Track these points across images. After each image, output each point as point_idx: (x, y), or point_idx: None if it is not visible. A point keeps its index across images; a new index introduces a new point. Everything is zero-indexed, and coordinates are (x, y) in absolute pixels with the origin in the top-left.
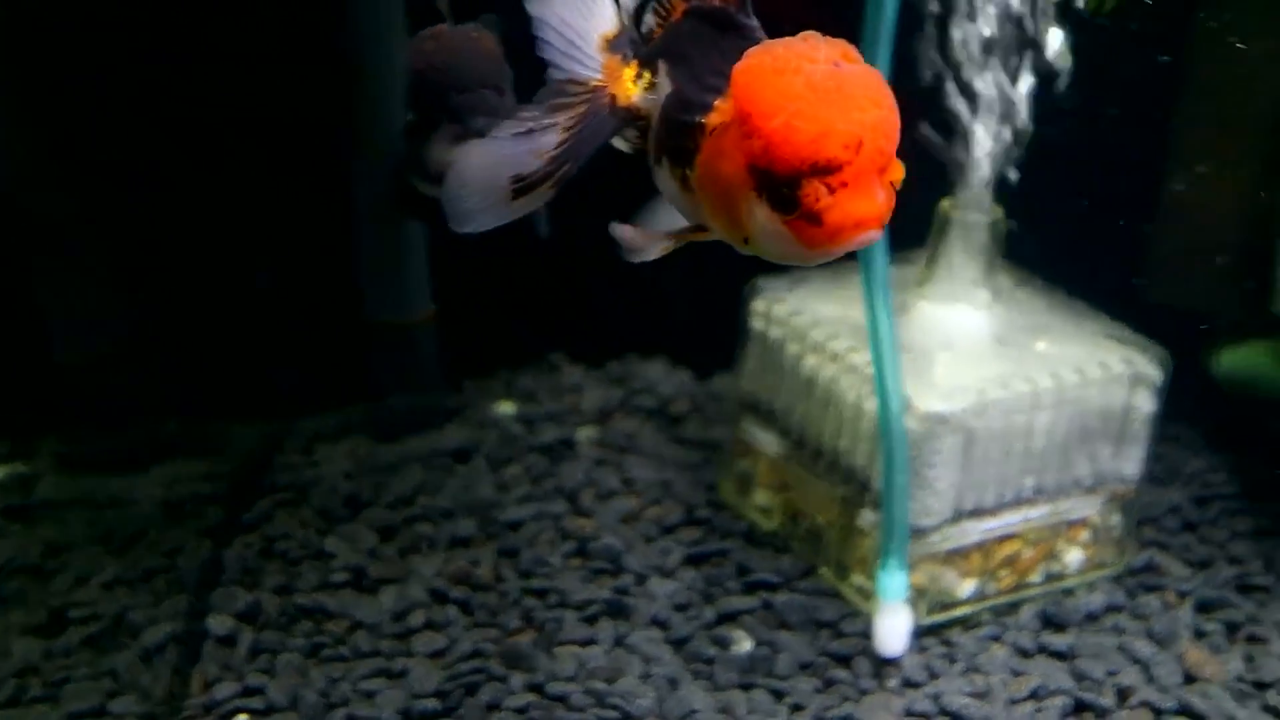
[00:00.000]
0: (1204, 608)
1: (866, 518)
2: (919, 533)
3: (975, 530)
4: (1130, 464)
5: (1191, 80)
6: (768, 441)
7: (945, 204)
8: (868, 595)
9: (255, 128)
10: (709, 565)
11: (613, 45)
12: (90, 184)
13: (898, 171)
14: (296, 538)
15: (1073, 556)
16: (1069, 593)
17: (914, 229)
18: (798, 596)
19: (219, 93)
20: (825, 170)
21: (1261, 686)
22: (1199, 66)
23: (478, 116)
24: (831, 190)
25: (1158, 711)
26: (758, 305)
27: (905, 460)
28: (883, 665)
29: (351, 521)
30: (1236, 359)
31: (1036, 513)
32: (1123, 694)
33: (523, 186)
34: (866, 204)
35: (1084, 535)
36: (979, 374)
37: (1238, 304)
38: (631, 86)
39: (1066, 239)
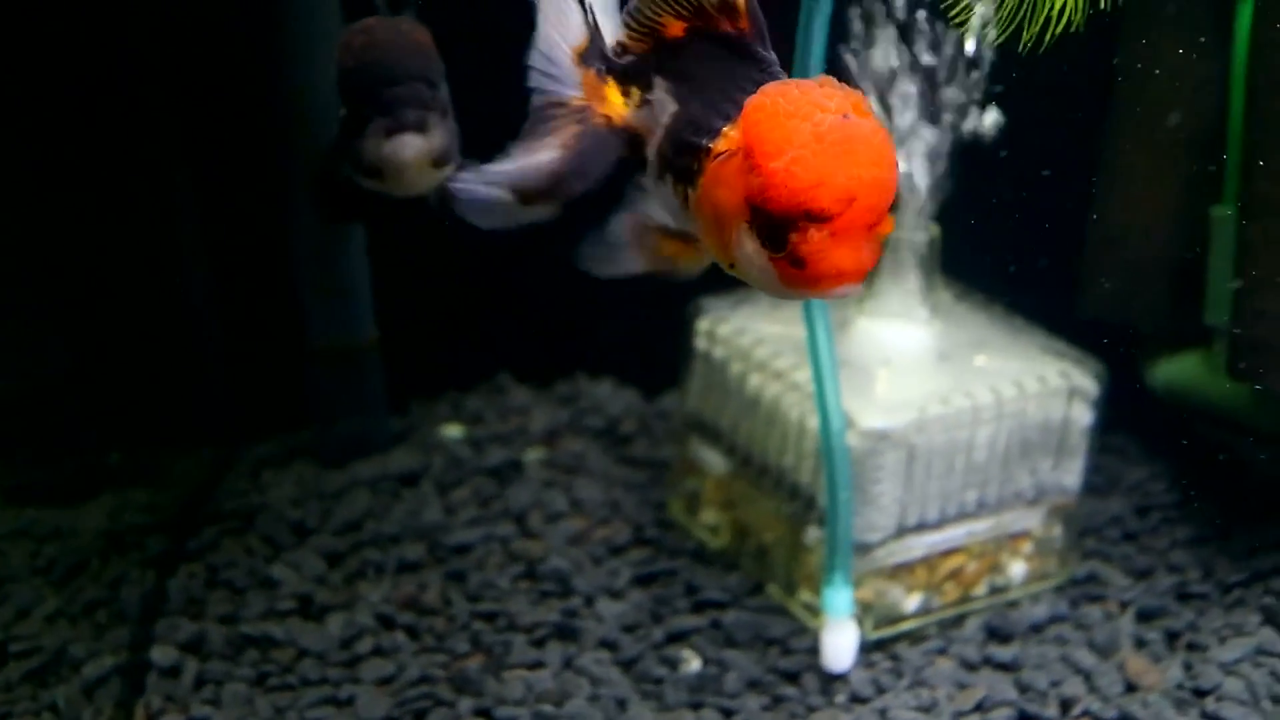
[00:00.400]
0: (1145, 617)
1: (812, 534)
2: (864, 548)
3: (919, 545)
4: (1070, 476)
5: (1120, 97)
6: (714, 460)
7: None
8: (815, 612)
9: (193, 152)
10: (657, 585)
11: (585, 58)
12: (21, 211)
13: (887, 226)
14: (242, 565)
15: (1016, 569)
16: (1013, 605)
17: None
18: (746, 614)
19: (155, 119)
20: (816, 219)
21: (1200, 694)
22: (1127, 84)
23: (408, 110)
24: (819, 239)
25: None
26: (701, 325)
27: (848, 477)
28: (830, 681)
29: (298, 548)
30: (1172, 370)
31: (979, 526)
32: (1066, 704)
33: (525, 199)
34: (851, 257)
35: (1027, 547)
36: (920, 390)
37: (1171, 316)
38: (621, 105)
39: (1002, 254)
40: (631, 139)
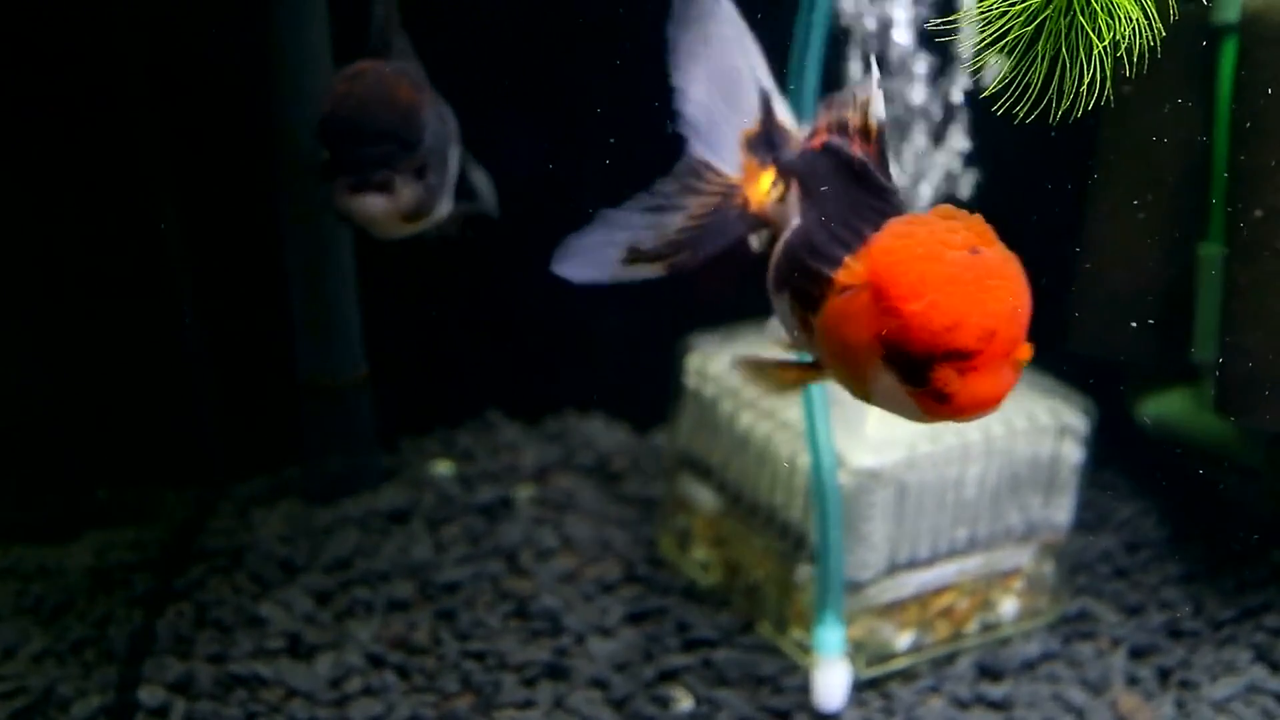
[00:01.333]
0: (1136, 654)
1: (803, 572)
2: (855, 586)
3: (911, 582)
4: (1060, 512)
5: (1106, 134)
6: (705, 497)
7: None
8: (806, 650)
9: (183, 182)
10: (649, 623)
11: (752, 144)
12: (8, 242)
13: (1026, 352)
14: (230, 604)
15: (1007, 606)
16: (1005, 642)
17: None
18: (737, 652)
19: (141, 154)
20: (958, 357)
21: None
22: (1112, 121)
23: (373, 171)
24: (962, 374)
25: None
26: (691, 362)
27: (839, 515)
28: None
29: (287, 586)
30: (1160, 406)
31: (970, 563)
32: None
33: (634, 257)
34: (993, 387)
35: (1018, 584)
36: (909, 428)
37: (1158, 352)
38: (764, 194)
39: None
40: (763, 227)
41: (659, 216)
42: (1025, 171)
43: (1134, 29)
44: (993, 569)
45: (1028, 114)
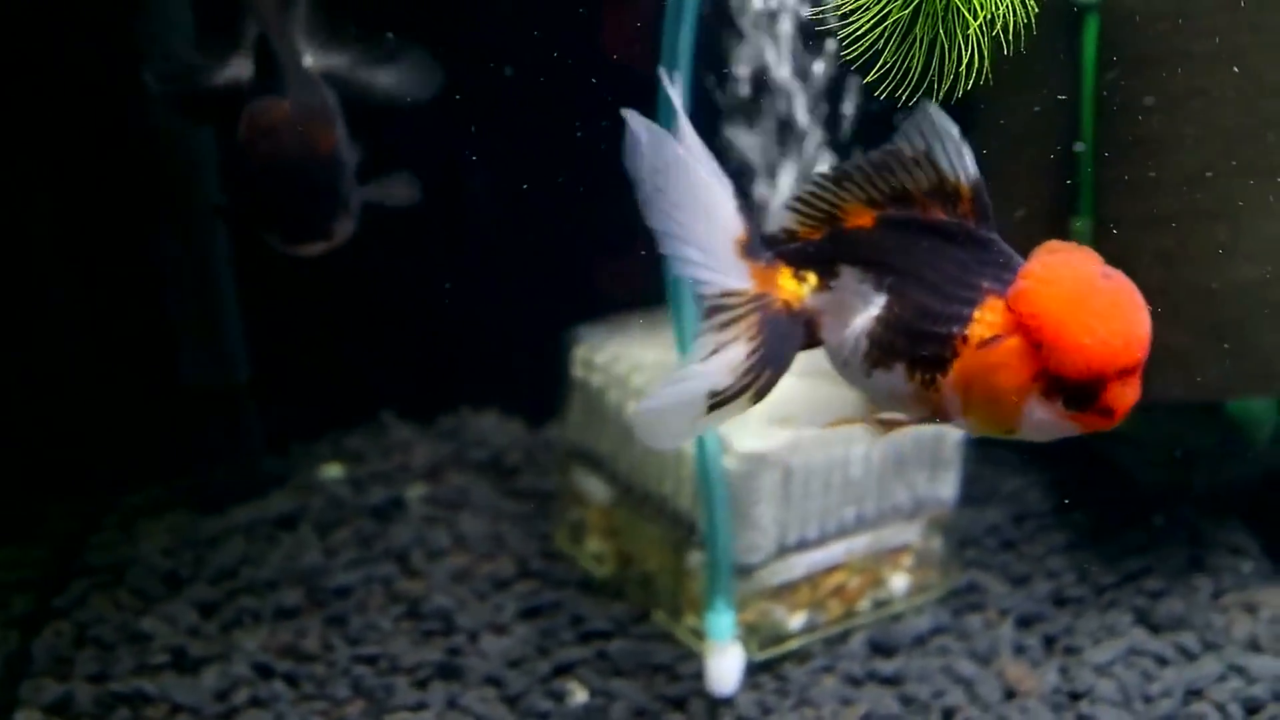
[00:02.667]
0: (1023, 623)
1: (694, 559)
2: (746, 570)
3: (801, 564)
4: (946, 488)
5: (984, 115)
6: (596, 489)
7: None
8: (700, 636)
9: (57, 185)
10: (543, 618)
11: (748, 250)
12: None
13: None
14: (112, 621)
15: (898, 582)
16: (896, 618)
17: None
18: (632, 643)
19: (12, 155)
20: (1124, 373)
21: (1076, 697)
22: (990, 101)
23: (315, 227)
24: (1126, 388)
25: None
26: (578, 353)
27: (725, 500)
28: (717, 706)
29: (171, 600)
30: None
31: (859, 542)
32: (947, 714)
33: (719, 400)
34: (1137, 391)
35: (907, 561)
36: (793, 411)
37: None
38: (798, 289)
39: None
40: (809, 322)
41: (720, 359)
42: None
43: (1009, 8)
44: (882, 546)
45: (909, 98)
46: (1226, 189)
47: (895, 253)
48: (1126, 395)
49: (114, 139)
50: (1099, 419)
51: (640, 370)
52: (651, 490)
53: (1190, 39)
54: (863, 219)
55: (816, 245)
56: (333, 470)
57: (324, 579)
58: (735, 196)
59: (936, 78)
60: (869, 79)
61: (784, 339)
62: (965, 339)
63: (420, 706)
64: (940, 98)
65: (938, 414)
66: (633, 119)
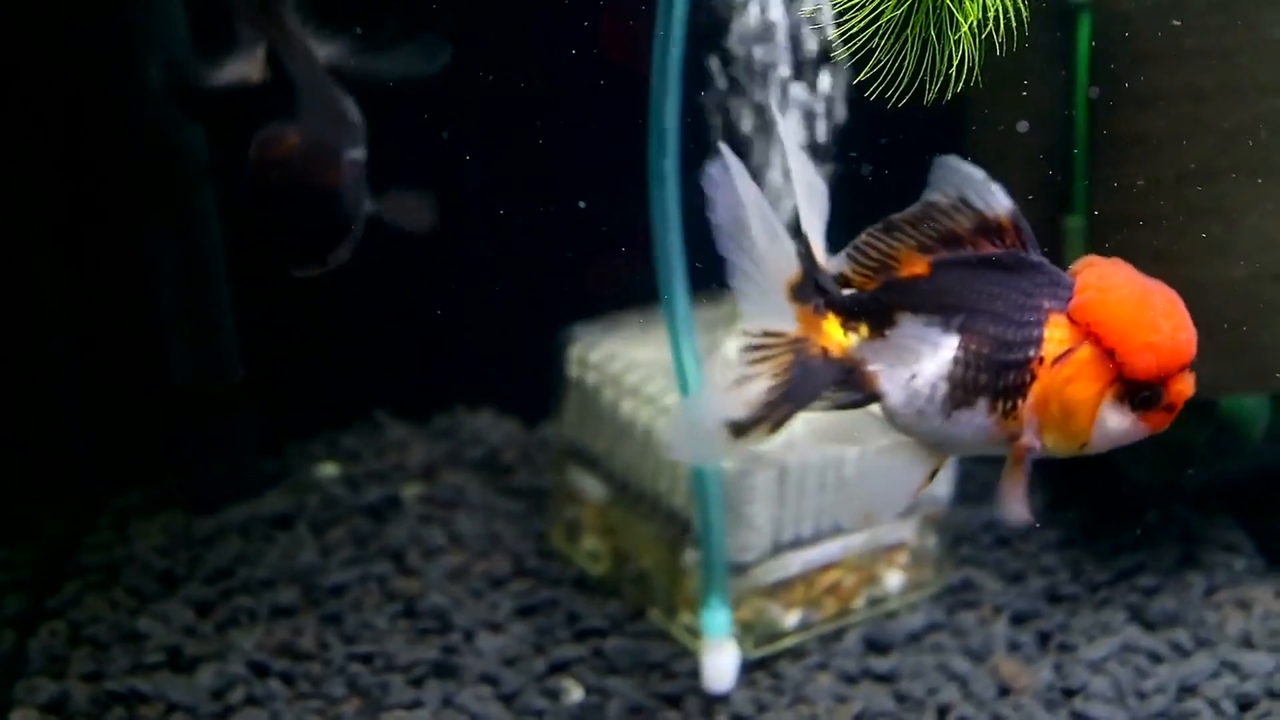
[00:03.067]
0: (1017, 620)
1: (689, 557)
2: (741, 568)
3: (796, 562)
4: (941, 486)
5: (974, 111)
6: (592, 487)
7: None
8: (695, 634)
9: (46, 183)
10: (539, 616)
11: (798, 293)
12: None
13: None
14: (106, 620)
15: (893, 580)
16: (891, 615)
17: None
18: (627, 641)
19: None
20: (1184, 368)
21: (1069, 694)
22: (979, 98)
23: (323, 255)
24: (1188, 378)
25: None
26: (573, 352)
27: (720, 498)
28: (712, 703)
29: (166, 599)
30: None
31: (854, 540)
32: (942, 711)
33: (737, 433)
34: (1192, 385)
35: (902, 558)
36: None
37: None
38: (843, 339)
39: None
40: (850, 372)
41: (737, 392)
42: (892, 157)
43: (999, 9)
44: (876, 544)
45: (900, 98)
46: (1219, 187)
47: (960, 293)
48: (1186, 389)
49: (105, 136)
50: (1164, 416)
51: (635, 369)
52: (647, 488)
53: (1182, 36)
54: (917, 267)
55: (871, 295)
56: (328, 469)
57: (320, 578)
58: (793, 238)
59: (929, 78)
60: (861, 78)
61: (812, 380)
62: (1041, 360)
63: (416, 705)
64: (932, 98)
65: (1015, 440)
66: (724, 151)
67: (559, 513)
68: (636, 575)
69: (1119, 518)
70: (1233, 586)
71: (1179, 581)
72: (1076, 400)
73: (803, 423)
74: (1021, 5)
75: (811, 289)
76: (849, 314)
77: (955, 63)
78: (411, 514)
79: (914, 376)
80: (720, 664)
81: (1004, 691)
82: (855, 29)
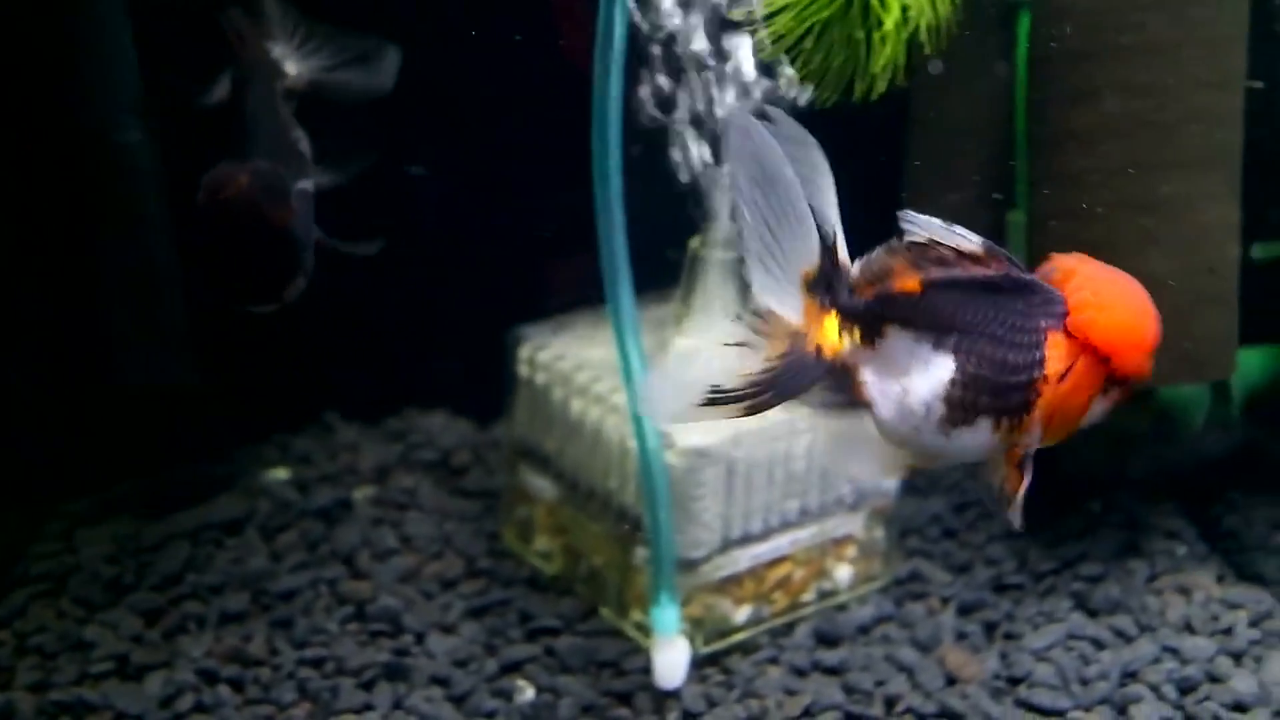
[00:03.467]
0: (965, 610)
1: (640, 555)
2: (690, 565)
3: (745, 557)
4: (888, 479)
5: (918, 108)
6: (543, 487)
7: (694, 242)
8: (647, 631)
9: None
10: (491, 616)
11: (812, 286)
12: None
13: None
14: (53, 630)
15: (842, 573)
16: (841, 608)
17: (673, 268)
18: (579, 639)
19: None
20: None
21: (1015, 682)
22: (923, 94)
23: (264, 297)
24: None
25: (921, 716)
26: (523, 352)
27: (668, 496)
28: (663, 699)
29: (114, 607)
30: None
31: (803, 534)
32: (890, 703)
33: (715, 399)
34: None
35: (851, 551)
36: None
37: None
38: (836, 341)
39: None
40: (838, 374)
41: (737, 359)
42: (847, 148)
43: (921, 8)
44: (825, 538)
45: (830, 97)
46: (1153, 181)
47: (953, 314)
48: (1149, 368)
49: (55, 142)
50: (1131, 391)
51: (584, 369)
52: (597, 487)
53: (1118, 33)
54: (910, 283)
55: (866, 304)
56: (279, 473)
57: (270, 582)
58: (828, 234)
59: (858, 76)
60: (795, 77)
61: (799, 377)
62: (1045, 378)
63: (366, 708)
64: (861, 95)
65: (1018, 447)
66: (767, 115)
67: (511, 513)
68: (588, 574)
69: (1063, 507)
70: (1174, 573)
71: (1122, 569)
72: (1078, 405)
73: (754, 418)
74: (946, 4)
75: (825, 285)
76: (848, 317)
77: (882, 63)
78: (363, 517)
79: (905, 393)
80: (670, 660)
81: (951, 681)
82: (786, 29)
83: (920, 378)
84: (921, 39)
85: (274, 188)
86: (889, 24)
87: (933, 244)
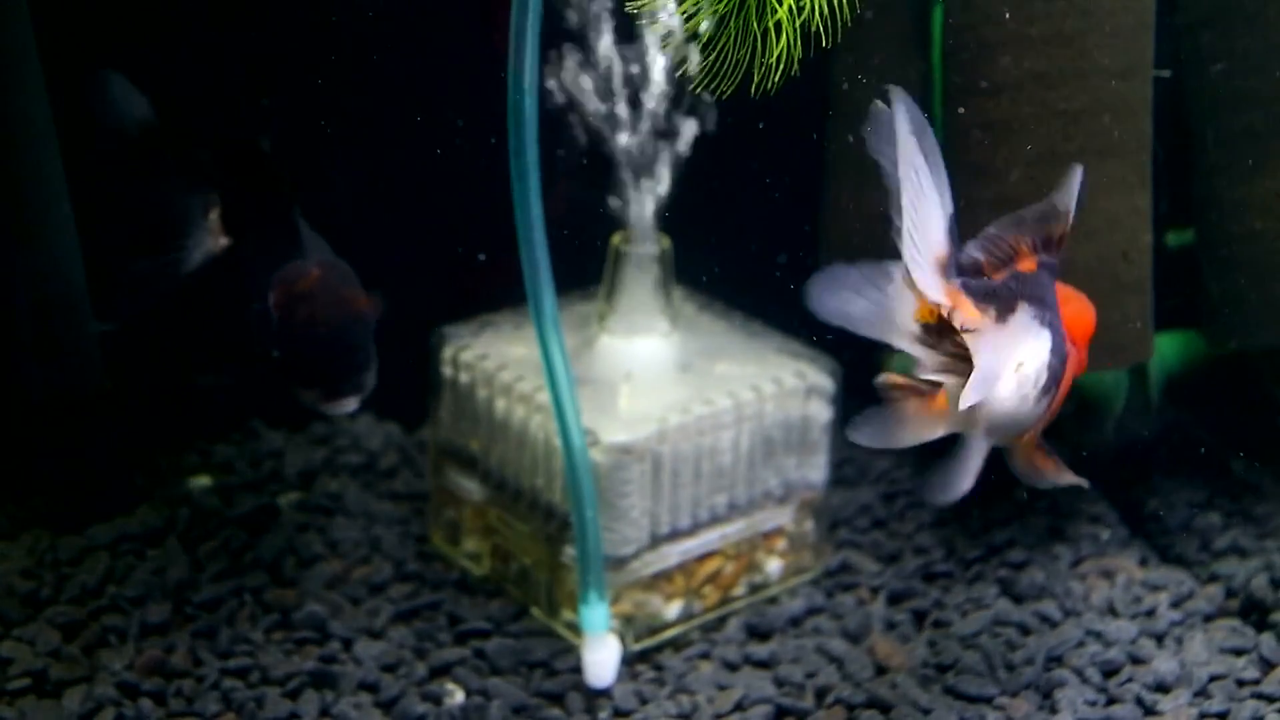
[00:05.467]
0: (894, 599)
1: (569, 553)
2: (619, 562)
3: (674, 552)
4: (815, 471)
5: (837, 101)
6: (470, 487)
7: (616, 238)
8: (577, 630)
9: None
10: (419, 620)
11: (945, 269)
12: None
13: None
14: None
15: (773, 566)
16: (772, 601)
17: (595, 266)
18: (509, 640)
19: None
20: None
21: (943, 669)
22: (842, 88)
23: (349, 384)
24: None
25: (850, 707)
26: (446, 352)
27: (593, 493)
28: (594, 698)
29: (30, 622)
30: (907, 360)
31: (732, 528)
32: (820, 694)
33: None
34: None
35: (781, 544)
36: (661, 401)
37: None
38: (979, 319)
39: (739, 261)
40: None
41: (951, 292)
42: (764, 143)
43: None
44: (755, 531)
45: (726, 89)
46: (1067, 169)
47: (1049, 292)
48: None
49: None
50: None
51: (508, 368)
52: (524, 486)
53: (1026, 24)
54: (1028, 263)
55: (1001, 284)
56: (201, 481)
57: (192, 592)
58: (949, 220)
59: (754, 70)
60: (695, 72)
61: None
62: (1068, 354)
63: (292, 717)
64: (758, 88)
65: (1049, 416)
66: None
67: (438, 515)
68: (518, 574)
69: (990, 494)
70: (1098, 557)
71: (1047, 554)
72: (1070, 383)
73: (677, 413)
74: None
75: (954, 267)
76: (983, 298)
77: (773, 55)
78: (288, 523)
79: (1020, 365)
80: (601, 659)
81: (880, 670)
82: (687, 18)
83: (1033, 350)
84: (821, 29)
85: (342, 270)
86: (781, 13)
87: (1050, 220)
